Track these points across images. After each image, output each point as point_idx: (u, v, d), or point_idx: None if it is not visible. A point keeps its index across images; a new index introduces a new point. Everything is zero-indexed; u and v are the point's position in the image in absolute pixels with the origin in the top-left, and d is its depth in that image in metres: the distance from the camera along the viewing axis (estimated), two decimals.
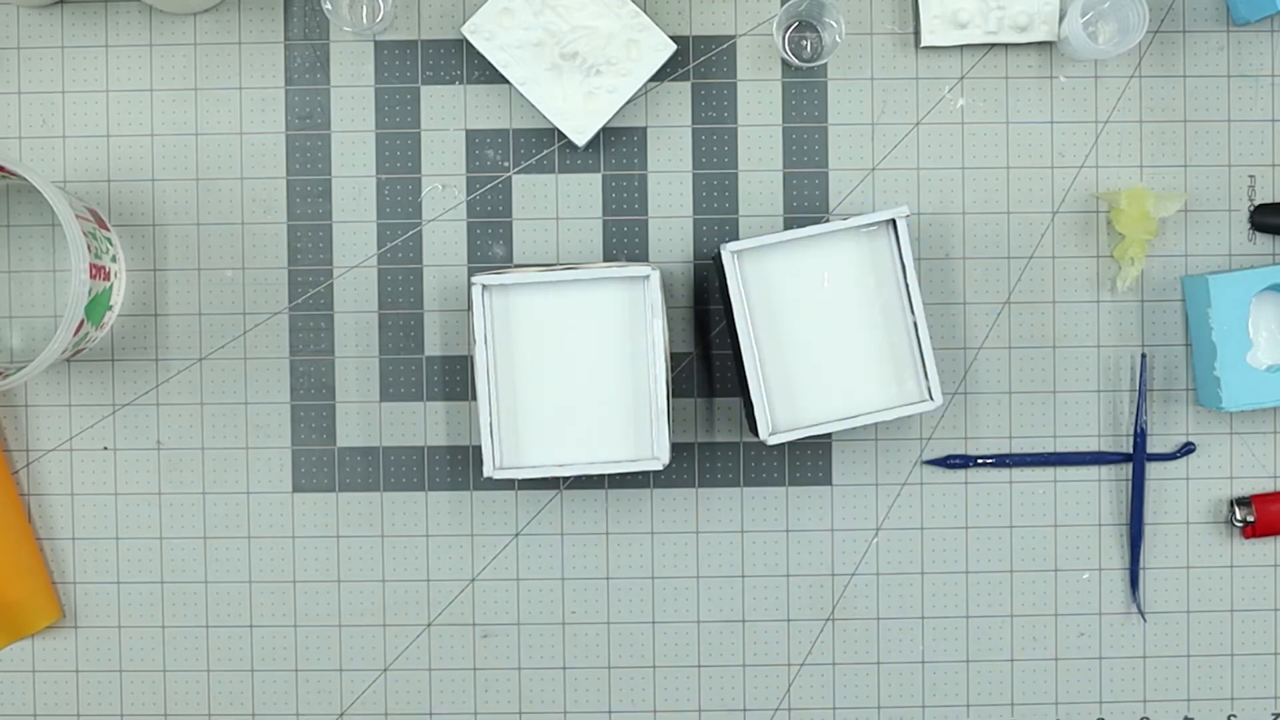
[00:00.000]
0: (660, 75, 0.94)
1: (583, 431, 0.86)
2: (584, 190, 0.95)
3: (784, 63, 0.94)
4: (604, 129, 0.94)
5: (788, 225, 0.95)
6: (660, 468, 0.85)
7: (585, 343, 0.87)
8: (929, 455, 0.95)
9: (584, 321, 0.87)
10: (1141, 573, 0.95)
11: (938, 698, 0.95)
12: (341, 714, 0.95)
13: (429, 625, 0.95)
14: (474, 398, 0.94)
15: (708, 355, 0.95)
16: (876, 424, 0.94)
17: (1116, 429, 0.95)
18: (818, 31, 0.95)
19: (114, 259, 0.91)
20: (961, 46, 0.95)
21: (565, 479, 0.94)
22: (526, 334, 0.86)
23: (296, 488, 0.95)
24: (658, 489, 0.95)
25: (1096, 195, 0.95)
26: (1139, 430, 0.94)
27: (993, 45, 0.95)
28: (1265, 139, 0.95)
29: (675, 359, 0.95)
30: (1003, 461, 0.95)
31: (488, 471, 0.86)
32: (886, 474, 0.95)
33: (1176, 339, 0.95)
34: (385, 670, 0.95)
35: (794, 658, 0.95)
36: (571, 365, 0.87)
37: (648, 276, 0.85)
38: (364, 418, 0.94)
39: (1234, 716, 0.96)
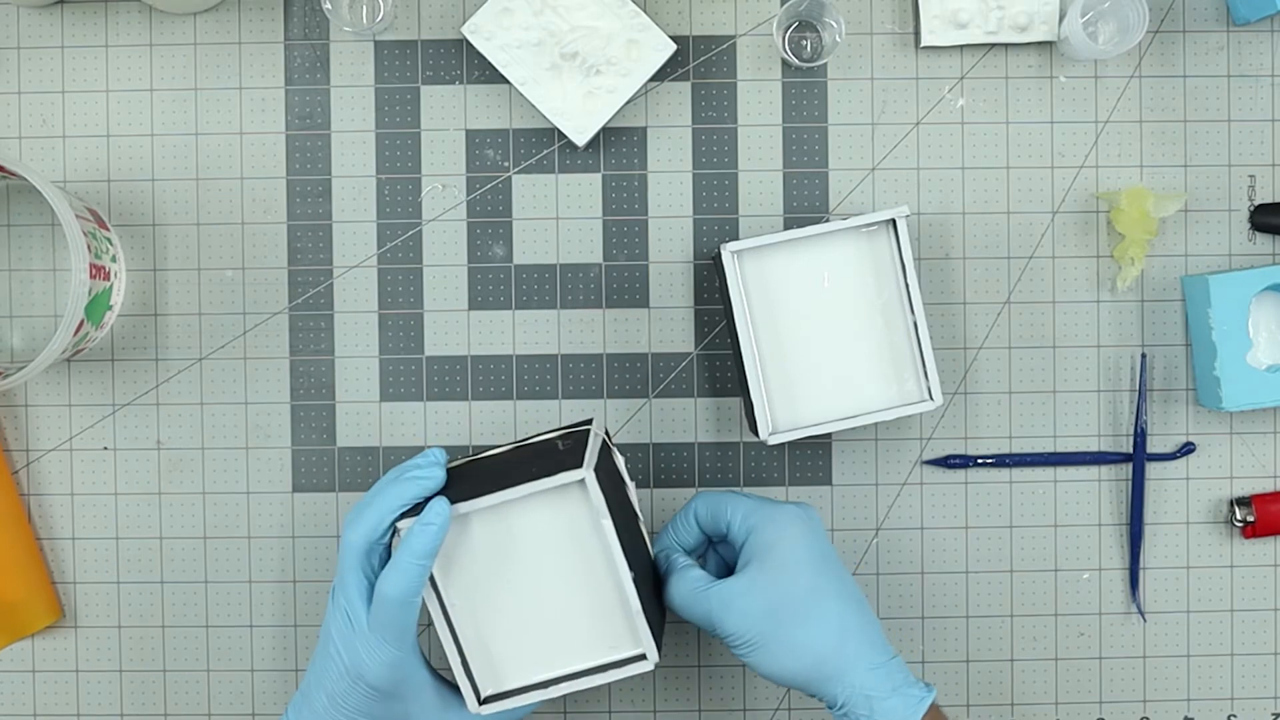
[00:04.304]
0: (660, 75, 0.94)
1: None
2: (584, 190, 0.95)
3: (784, 63, 0.94)
4: (604, 129, 0.94)
5: (788, 225, 0.95)
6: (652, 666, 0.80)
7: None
8: (929, 455, 0.95)
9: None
10: (1141, 573, 0.95)
11: (938, 697, 0.95)
12: None
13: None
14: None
15: (708, 355, 0.95)
16: (876, 424, 0.94)
17: (1116, 429, 0.95)
18: (818, 31, 0.95)
19: (114, 259, 0.91)
20: (961, 46, 0.95)
21: None
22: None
23: (296, 488, 0.95)
24: (658, 489, 0.95)
25: (1096, 195, 0.95)
26: (1139, 430, 0.94)
27: (993, 45, 0.95)
28: (1265, 139, 0.95)
29: (675, 359, 0.95)
30: (1003, 461, 0.95)
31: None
32: (886, 474, 0.95)
33: (1176, 339, 0.95)
34: None
35: None
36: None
37: (583, 480, 0.77)
38: (364, 418, 0.94)
39: (1234, 716, 0.96)
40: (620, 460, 0.85)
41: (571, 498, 0.79)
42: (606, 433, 0.85)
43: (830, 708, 0.81)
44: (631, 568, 0.79)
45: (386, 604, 0.77)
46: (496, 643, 0.81)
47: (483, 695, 0.80)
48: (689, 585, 0.82)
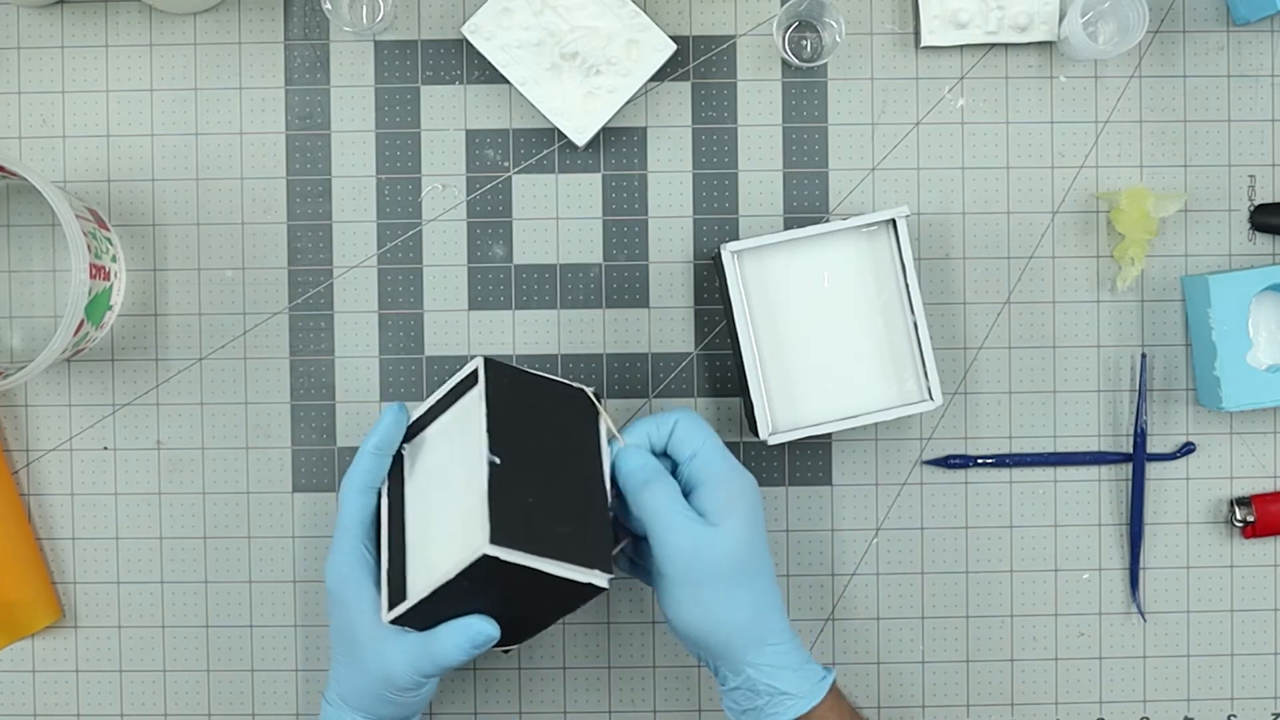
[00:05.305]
0: (660, 75, 0.94)
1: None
2: (584, 190, 0.95)
3: (784, 63, 0.94)
4: (604, 129, 0.94)
5: (788, 225, 0.95)
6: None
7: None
8: (929, 455, 0.95)
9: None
10: (1141, 573, 0.95)
11: (938, 698, 0.95)
12: None
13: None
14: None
15: (708, 355, 0.95)
16: (876, 424, 0.94)
17: (1116, 429, 0.95)
18: (818, 31, 0.95)
19: (114, 259, 0.91)
20: (961, 46, 0.95)
21: None
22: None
23: (296, 488, 0.95)
24: None
25: (1096, 195, 0.95)
26: (1139, 430, 0.94)
27: (993, 45, 0.95)
28: (1265, 139, 0.95)
29: (675, 359, 0.95)
30: (1003, 461, 0.95)
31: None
32: (886, 474, 0.95)
33: (1176, 339, 0.95)
34: None
35: None
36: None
37: (476, 370, 0.81)
38: (364, 417, 0.94)
39: (1234, 716, 0.96)
40: (607, 419, 0.84)
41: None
42: (595, 394, 0.84)
43: (725, 679, 0.83)
44: (506, 465, 0.77)
45: (340, 495, 0.84)
46: (412, 555, 0.82)
47: (390, 605, 0.81)
48: (674, 504, 0.81)
